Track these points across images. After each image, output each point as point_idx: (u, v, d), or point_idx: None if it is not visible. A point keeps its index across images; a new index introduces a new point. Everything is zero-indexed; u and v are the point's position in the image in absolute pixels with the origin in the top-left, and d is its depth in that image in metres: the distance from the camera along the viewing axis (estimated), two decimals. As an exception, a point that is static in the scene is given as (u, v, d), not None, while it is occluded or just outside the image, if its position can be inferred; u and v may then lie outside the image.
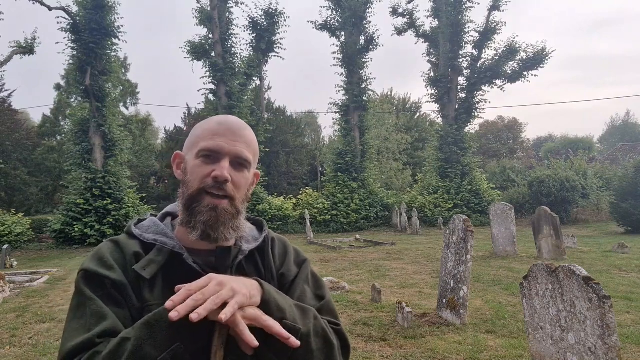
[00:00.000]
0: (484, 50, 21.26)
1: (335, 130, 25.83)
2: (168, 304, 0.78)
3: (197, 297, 0.79)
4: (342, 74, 21.36)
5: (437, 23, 21.72)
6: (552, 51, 20.34)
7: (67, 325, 0.91)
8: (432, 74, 21.83)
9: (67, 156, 18.57)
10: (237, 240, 1.05)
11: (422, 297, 6.54)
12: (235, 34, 20.14)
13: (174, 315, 0.76)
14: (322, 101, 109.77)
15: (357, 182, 20.35)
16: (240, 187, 1.00)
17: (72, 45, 17.03)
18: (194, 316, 0.76)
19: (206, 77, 19.79)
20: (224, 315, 0.78)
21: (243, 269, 1.03)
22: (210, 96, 20.65)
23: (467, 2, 21.06)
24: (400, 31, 22.98)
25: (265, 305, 0.87)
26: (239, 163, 1.00)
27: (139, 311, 0.91)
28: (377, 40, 21.18)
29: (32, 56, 17.77)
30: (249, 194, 1.06)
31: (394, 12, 22.65)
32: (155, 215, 1.11)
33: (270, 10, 20.69)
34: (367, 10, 20.91)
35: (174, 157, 1.08)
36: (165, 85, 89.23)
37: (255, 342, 0.82)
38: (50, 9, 16.78)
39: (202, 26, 19.90)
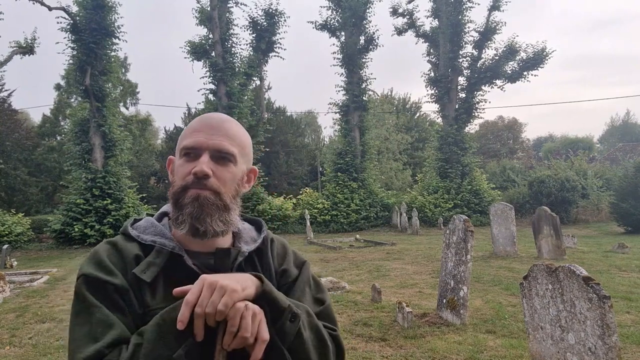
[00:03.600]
0: (484, 50, 21.26)
1: (335, 130, 25.86)
2: (179, 325, 0.81)
3: (197, 312, 0.81)
4: (342, 74, 21.36)
5: (437, 23, 21.71)
6: (552, 51, 20.36)
7: (72, 333, 0.89)
8: (432, 74, 21.82)
9: (67, 156, 18.56)
10: (235, 242, 1.05)
11: (422, 297, 6.54)
12: (235, 34, 20.15)
13: (180, 326, 0.81)
14: (322, 101, 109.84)
15: (357, 182, 20.35)
16: (225, 181, 0.98)
17: (72, 45, 17.02)
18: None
19: (206, 77, 19.81)
20: (218, 317, 0.82)
21: (243, 270, 1.01)
22: (210, 96, 20.64)
23: (467, 2, 21.05)
24: (400, 31, 22.97)
25: (267, 286, 0.89)
26: (220, 157, 0.98)
27: (141, 317, 0.90)
28: (377, 40, 21.18)
29: (32, 56, 17.80)
30: (240, 190, 1.03)
31: (394, 12, 22.64)
32: (152, 215, 1.09)
33: (270, 10, 20.69)
34: (367, 10, 20.89)
35: (168, 162, 1.08)
36: (165, 85, 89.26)
37: (264, 335, 0.85)
38: (50, 9, 16.78)
39: (202, 26, 19.90)
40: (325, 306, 1.07)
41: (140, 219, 1.08)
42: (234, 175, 1.00)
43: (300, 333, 0.90)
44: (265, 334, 0.84)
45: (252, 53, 20.77)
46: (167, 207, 1.10)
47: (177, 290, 0.86)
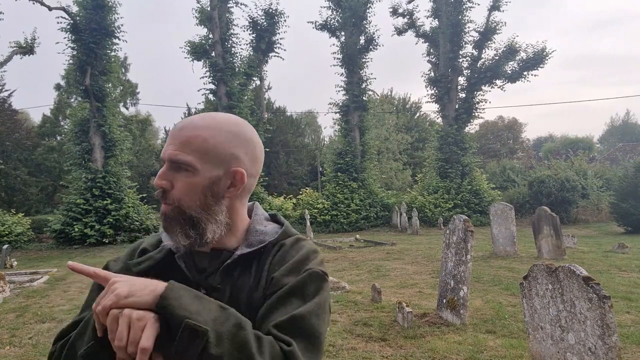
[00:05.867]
0: (484, 50, 21.25)
1: (335, 130, 25.86)
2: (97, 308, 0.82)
3: (94, 308, 0.81)
4: (342, 74, 21.36)
5: (437, 23, 21.70)
6: (552, 51, 20.35)
7: None
8: (432, 74, 21.82)
9: (67, 156, 18.57)
10: (239, 245, 1.02)
11: (422, 297, 6.54)
12: (235, 34, 20.15)
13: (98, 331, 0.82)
14: (322, 101, 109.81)
15: (357, 182, 20.35)
16: (185, 192, 0.93)
17: (72, 45, 17.03)
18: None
19: (206, 77, 19.81)
20: (101, 319, 0.80)
21: (230, 272, 0.98)
22: (210, 96, 20.66)
23: (467, 2, 21.04)
24: (400, 31, 22.96)
25: (164, 300, 0.78)
26: (177, 167, 0.94)
27: None
28: (377, 40, 21.19)
29: (32, 56, 17.81)
30: (216, 198, 0.96)
31: (394, 12, 22.63)
32: None
33: (270, 10, 20.70)
34: (367, 10, 20.90)
35: None
36: (165, 85, 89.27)
37: (144, 343, 0.76)
38: (50, 9, 16.78)
39: (202, 26, 19.90)
40: (291, 317, 0.88)
41: None
42: (194, 185, 0.93)
43: (207, 352, 0.76)
44: (145, 342, 0.75)
45: (252, 53, 20.77)
46: None
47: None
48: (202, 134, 0.94)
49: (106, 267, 1.04)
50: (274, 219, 1.13)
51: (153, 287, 0.81)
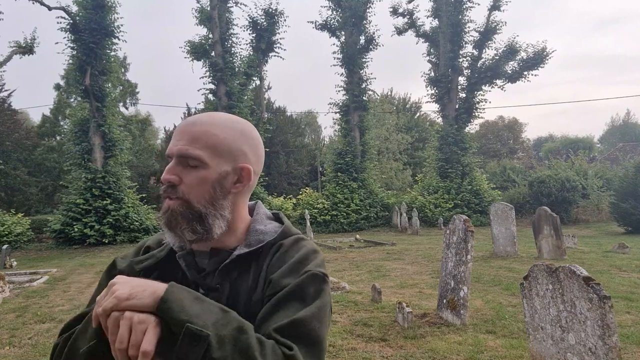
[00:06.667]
0: (484, 50, 21.27)
1: (335, 130, 25.87)
2: (94, 322, 0.83)
3: (94, 310, 0.82)
4: (342, 74, 21.37)
5: (437, 23, 21.71)
6: (553, 51, 20.37)
7: None
8: (432, 73, 21.82)
9: (67, 156, 18.55)
10: (239, 244, 1.01)
11: (422, 297, 6.53)
12: (235, 34, 20.14)
13: (94, 323, 0.82)
14: (322, 101, 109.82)
15: (357, 182, 20.35)
16: (193, 187, 0.94)
17: (71, 45, 17.01)
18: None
19: (206, 77, 19.81)
20: (101, 321, 0.80)
21: (228, 272, 0.98)
22: (210, 96, 20.65)
23: (467, 2, 21.06)
24: (400, 31, 22.97)
25: (164, 304, 0.78)
26: (186, 162, 0.95)
27: None
28: (377, 40, 21.20)
29: (32, 56, 17.80)
30: (225, 192, 0.97)
31: (394, 12, 22.64)
32: None
33: (270, 10, 20.70)
34: (367, 10, 20.91)
35: None
36: (165, 85, 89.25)
37: (146, 346, 0.75)
38: (50, 8, 16.77)
39: (202, 26, 19.90)
40: (292, 321, 0.86)
41: None
42: (203, 179, 0.95)
43: (208, 356, 0.76)
44: (147, 346, 0.75)
45: (252, 53, 20.77)
46: None
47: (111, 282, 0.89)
48: (212, 130, 0.96)
49: (113, 264, 1.06)
50: (276, 217, 1.12)
51: (153, 289, 0.80)
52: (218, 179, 0.96)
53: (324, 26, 21.45)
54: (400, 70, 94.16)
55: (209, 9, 19.60)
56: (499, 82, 21.11)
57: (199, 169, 0.95)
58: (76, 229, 15.68)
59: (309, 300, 0.91)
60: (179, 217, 0.94)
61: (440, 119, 22.66)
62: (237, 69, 19.85)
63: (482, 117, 22.75)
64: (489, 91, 25.83)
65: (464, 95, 21.49)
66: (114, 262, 1.06)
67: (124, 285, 0.80)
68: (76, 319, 0.96)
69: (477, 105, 21.29)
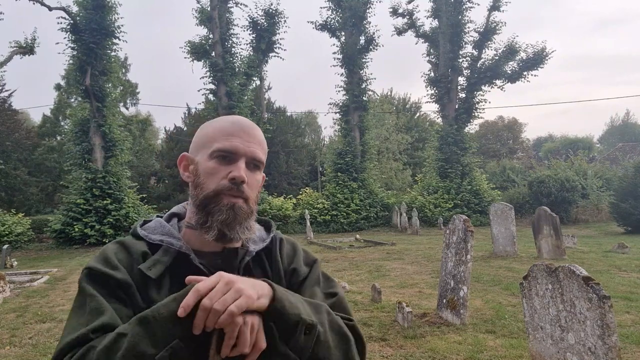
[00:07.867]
0: (484, 50, 21.28)
1: (335, 130, 25.88)
2: (180, 311, 0.77)
3: (205, 304, 0.77)
4: (342, 74, 21.38)
5: (437, 23, 21.72)
6: (552, 51, 20.39)
7: (67, 323, 0.89)
8: (432, 74, 21.84)
9: (67, 156, 18.56)
10: (243, 242, 1.03)
11: (422, 297, 6.54)
12: (235, 34, 20.15)
13: (181, 312, 0.77)
14: (322, 101, 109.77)
15: (357, 182, 20.36)
16: (254, 188, 1.01)
17: (72, 45, 17.02)
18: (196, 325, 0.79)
19: (206, 77, 19.80)
20: (221, 321, 0.77)
21: (250, 270, 1.01)
22: (210, 96, 20.66)
23: (467, 2, 21.07)
24: (400, 31, 22.98)
25: (279, 302, 0.83)
26: (254, 164, 1.00)
27: (144, 310, 0.88)
28: (377, 40, 21.21)
29: (32, 56, 17.80)
30: (259, 195, 1.07)
31: (394, 12, 22.65)
32: (161, 217, 1.09)
33: (270, 10, 20.71)
34: (367, 10, 20.92)
35: (180, 159, 1.06)
36: (165, 85, 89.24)
37: (262, 344, 0.83)
38: (50, 9, 16.78)
39: (202, 26, 19.90)
40: (338, 298, 1.05)
41: (150, 221, 1.08)
42: (259, 182, 1.04)
43: (319, 340, 0.87)
44: (262, 343, 0.82)
45: (252, 53, 20.78)
46: (176, 209, 1.11)
47: (189, 278, 0.84)
48: (264, 138, 1.06)
49: (105, 275, 0.91)
50: None
51: (267, 289, 0.85)
52: (261, 183, 1.07)
53: (324, 26, 21.47)
54: (400, 71, 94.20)
55: (209, 9, 19.60)
56: (498, 82, 21.13)
57: (258, 172, 1.03)
58: (76, 229, 15.70)
59: (333, 282, 1.11)
60: (243, 214, 0.98)
61: (440, 119, 22.69)
62: (237, 69, 19.85)
63: (481, 117, 22.80)
64: (489, 91, 25.82)
65: (463, 95, 21.50)
66: (104, 273, 0.91)
67: (244, 283, 0.81)
68: (84, 336, 0.83)
69: (476, 106, 21.30)
